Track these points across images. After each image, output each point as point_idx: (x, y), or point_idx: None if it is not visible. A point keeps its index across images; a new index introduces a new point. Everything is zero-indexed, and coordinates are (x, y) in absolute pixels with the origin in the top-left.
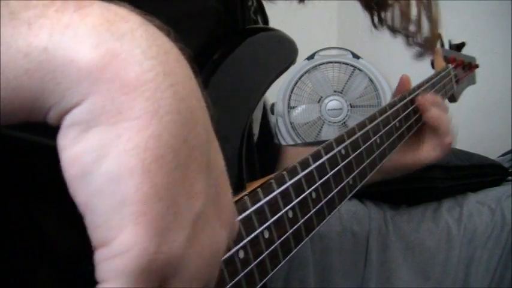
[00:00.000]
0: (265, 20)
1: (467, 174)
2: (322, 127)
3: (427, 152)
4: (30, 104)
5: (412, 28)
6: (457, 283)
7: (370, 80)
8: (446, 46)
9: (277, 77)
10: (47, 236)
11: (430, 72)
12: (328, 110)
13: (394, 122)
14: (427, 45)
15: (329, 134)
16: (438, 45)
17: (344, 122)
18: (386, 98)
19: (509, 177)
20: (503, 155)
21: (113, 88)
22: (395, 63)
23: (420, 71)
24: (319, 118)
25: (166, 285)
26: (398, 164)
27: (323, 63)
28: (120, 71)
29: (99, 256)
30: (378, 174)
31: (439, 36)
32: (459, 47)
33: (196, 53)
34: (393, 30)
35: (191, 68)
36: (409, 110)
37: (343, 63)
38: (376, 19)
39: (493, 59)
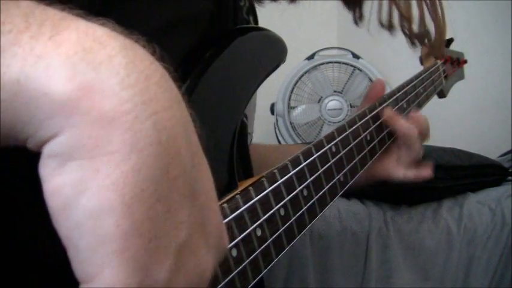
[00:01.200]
0: (256, 20)
1: (467, 174)
2: (322, 127)
3: (390, 169)
4: (8, 132)
5: (415, 28)
6: (457, 283)
7: (370, 80)
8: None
9: (266, 76)
10: (39, 243)
11: None
12: (328, 110)
13: (382, 119)
14: (435, 47)
15: None
16: (426, 41)
17: None
18: None
19: (509, 177)
20: (503, 155)
21: (88, 121)
22: (395, 63)
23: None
24: (319, 118)
25: None
26: (369, 175)
27: (323, 63)
28: (96, 103)
29: None
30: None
31: (444, 38)
32: (448, 42)
33: (188, 54)
34: (390, 28)
35: (178, 87)
36: (399, 105)
37: (343, 63)
38: (357, 15)
39: (493, 59)
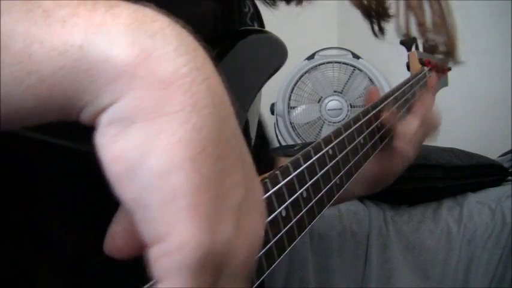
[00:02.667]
0: (262, 26)
1: (467, 174)
2: (322, 127)
3: (396, 164)
4: (64, 102)
5: (430, 36)
6: (457, 283)
7: (370, 80)
8: (421, 49)
9: (268, 78)
10: (52, 237)
11: None
12: (328, 110)
13: (376, 123)
14: (449, 53)
15: None
16: (413, 48)
17: None
18: None
19: (509, 177)
20: (503, 155)
21: (150, 84)
22: (395, 63)
23: None
24: (319, 118)
25: (220, 276)
26: (372, 180)
27: (323, 63)
28: (156, 68)
29: (154, 253)
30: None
31: (455, 43)
32: (433, 50)
33: None
34: (407, 36)
35: (215, 65)
36: (390, 110)
37: (343, 63)
38: (376, 28)
39: (493, 59)
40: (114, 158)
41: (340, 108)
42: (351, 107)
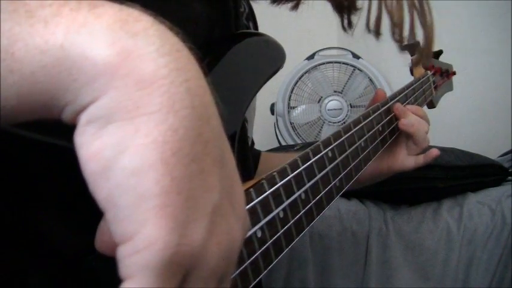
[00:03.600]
0: (256, 26)
1: (467, 174)
2: (322, 127)
3: (402, 161)
4: (46, 100)
5: (404, 34)
6: (457, 283)
7: (370, 80)
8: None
9: (266, 81)
10: (47, 235)
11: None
12: (328, 110)
13: (377, 127)
14: (424, 53)
15: (329, 134)
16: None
17: (344, 122)
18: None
19: (509, 177)
20: (503, 155)
21: (129, 84)
22: (395, 63)
23: None
24: (319, 118)
25: (188, 278)
26: (374, 171)
27: (323, 63)
28: (136, 68)
29: (123, 252)
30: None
31: (432, 46)
32: (437, 54)
33: None
34: (377, 34)
35: (200, 67)
36: (391, 115)
37: (343, 63)
38: (346, 21)
39: (493, 59)
40: (90, 157)
41: (340, 108)
42: (351, 107)
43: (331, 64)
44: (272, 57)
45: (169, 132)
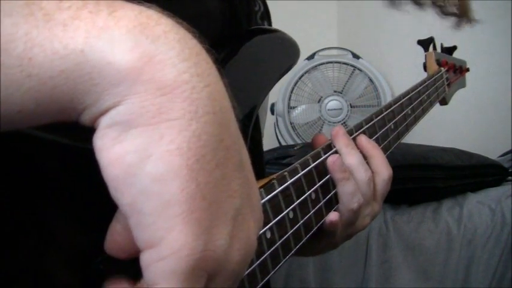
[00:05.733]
0: (271, 24)
1: (467, 174)
2: (322, 127)
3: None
4: (64, 104)
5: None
6: (457, 283)
7: (370, 80)
8: (438, 49)
9: (280, 77)
10: (56, 235)
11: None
12: (328, 110)
13: (389, 125)
14: (461, 12)
15: (329, 134)
16: (431, 48)
17: (344, 122)
18: (386, 98)
19: (509, 177)
20: (503, 155)
21: (151, 89)
22: (395, 63)
23: (419, 71)
24: (319, 118)
25: (210, 283)
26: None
27: (323, 63)
28: (157, 73)
29: (148, 258)
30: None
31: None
32: (450, 50)
33: None
34: (419, 2)
35: (218, 69)
36: (404, 111)
37: (343, 63)
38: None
39: (493, 59)
40: (112, 161)
41: (340, 108)
42: (351, 107)
43: (331, 64)
44: (286, 53)
45: (193, 139)
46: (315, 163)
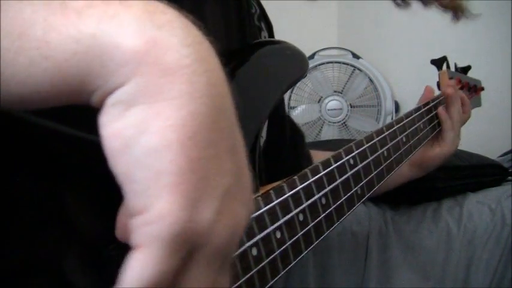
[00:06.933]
0: (269, 26)
1: (467, 174)
2: (322, 127)
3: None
4: (76, 85)
5: None
6: (457, 283)
7: (370, 80)
8: (452, 68)
9: (288, 88)
10: (73, 222)
11: (429, 71)
12: (328, 110)
13: (401, 137)
14: (456, 6)
15: (329, 134)
16: (444, 67)
17: (344, 122)
18: (386, 98)
19: (509, 177)
20: (503, 155)
21: (154, 71)
22: (395, 63)
23: (419, 71)
24: (319, 118)
25: (192, 255)
26: (420, 161)
27: (323, 63)
28: (161, 56)
29: (136, 222)
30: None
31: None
32: (465, 69)
33: None
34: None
35: (219, 59)
36: (416, 125)
37: (343, 63)
38: None
39: (493, 60)
40: (112, 135)
41: (340, 108)
42: (351, 107)
43: (331, 64)
44: (295, 65)
45: (188, 117)
46: (325, 171)
